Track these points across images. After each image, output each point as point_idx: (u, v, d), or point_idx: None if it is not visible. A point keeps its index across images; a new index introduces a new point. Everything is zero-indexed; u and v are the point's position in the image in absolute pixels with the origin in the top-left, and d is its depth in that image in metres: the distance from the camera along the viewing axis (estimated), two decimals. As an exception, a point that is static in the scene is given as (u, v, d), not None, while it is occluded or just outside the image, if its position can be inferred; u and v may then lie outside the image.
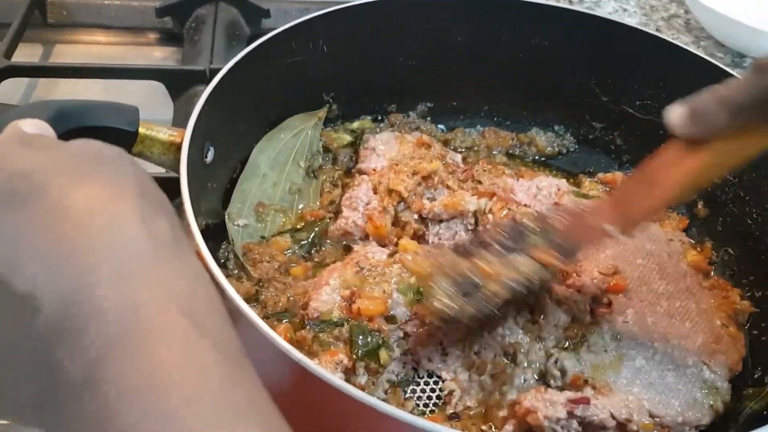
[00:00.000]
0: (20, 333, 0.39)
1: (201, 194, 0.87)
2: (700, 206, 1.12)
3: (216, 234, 0.94)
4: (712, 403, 0.87)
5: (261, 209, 0.98)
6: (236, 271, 0.94)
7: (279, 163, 1.04)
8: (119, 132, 0.80)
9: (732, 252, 1.07)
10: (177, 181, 0.78)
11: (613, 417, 0.81)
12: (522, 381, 0.87)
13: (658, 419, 0.84)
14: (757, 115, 0.70)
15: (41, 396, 0.40)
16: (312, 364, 0.62)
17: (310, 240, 0.98)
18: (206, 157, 0.91)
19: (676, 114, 0.74)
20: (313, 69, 1.09)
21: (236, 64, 0.95)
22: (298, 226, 1.00)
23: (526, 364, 0.88)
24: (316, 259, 0.98)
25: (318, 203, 1.04)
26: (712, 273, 1.05)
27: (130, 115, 0.81)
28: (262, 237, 0.97)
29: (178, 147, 0.83)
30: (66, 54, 1.47)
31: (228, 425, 0.38)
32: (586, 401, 0.81)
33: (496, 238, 0.84)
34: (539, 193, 1.04)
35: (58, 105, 0.72)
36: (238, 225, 0.95)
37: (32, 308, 0.38)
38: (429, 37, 1.17)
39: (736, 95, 0.70)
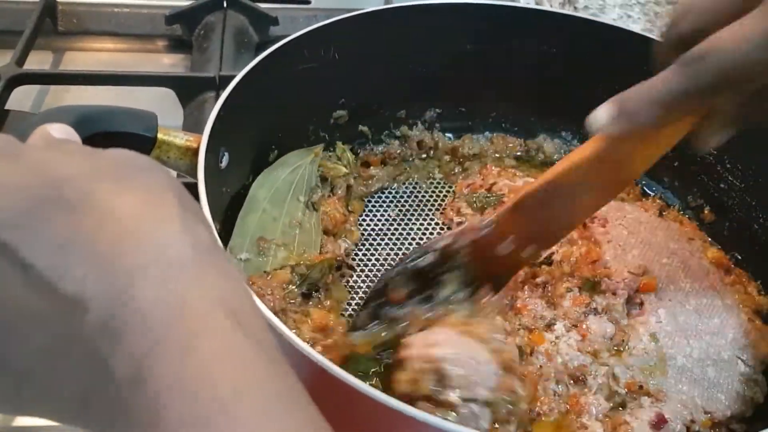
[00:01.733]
0: (68, 332, 0.40)
1: (216, 199, 0.88)
2: (706, 211, 1.14)
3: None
4: (752, 395, 0.89)
5: (263, 243, 0.98)
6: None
7: (278, 198, 1.04)
8: (138, 137, 0.81)
9: (739, 257, 1.08)
10: (192, 185, 0.79)
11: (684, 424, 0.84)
12: (598, 408, 0.85)
13: (710, 415, 0.86)
14: (687, 108, 0.71)
15: (87, 393, 0.41)
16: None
17: (311, 278, 0.97)
18: (221, 162, 0.92)
19: (603, 113, 0.73)
20: (324, 75, 1.10)
21: (251, 70, 0.96)
22: (301, 263, 0.98)
23: (596, 388, 0.86)
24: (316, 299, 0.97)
25: (319, 236, 1.04)
26: (732, 266, 1.06)
27: (149, 121, 0.82)
28: (265, 272, 0.96)
29: (195, 152, 0.85)
30: (76, 61, 1.48)
31: (275, 415, 0.39)
32: (663, 420, 0.83)
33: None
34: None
35: (80, 110, 0.73)
36: (240, 259, 0.95)
37: (81, 309, 0.39)
38: (438, 44, 1.18)
39: (666, 91, 0.69)
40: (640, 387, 0.86)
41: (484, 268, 0.88)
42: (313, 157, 1.11)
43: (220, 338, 0.40)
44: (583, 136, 1.21)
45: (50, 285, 0.40)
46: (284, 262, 0.97)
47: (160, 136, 0.83)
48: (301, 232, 1.03)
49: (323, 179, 1.10)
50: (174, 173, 0.86)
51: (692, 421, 0.85)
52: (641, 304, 0.94)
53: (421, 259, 0.89)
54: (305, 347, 0.65)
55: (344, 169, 1.12)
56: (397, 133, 1.23)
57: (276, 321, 0.66)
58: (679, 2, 0.70)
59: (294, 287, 0.94)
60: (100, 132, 0.76)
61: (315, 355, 0.65)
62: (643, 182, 1.20)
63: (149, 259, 0.41)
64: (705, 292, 0.97)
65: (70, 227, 0.41)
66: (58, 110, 0.75)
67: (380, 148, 1.21)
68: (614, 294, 0.94)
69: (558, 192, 0.83)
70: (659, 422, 0.83)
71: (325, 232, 1.04)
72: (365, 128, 1.20)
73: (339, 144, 1.14)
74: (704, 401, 0.87)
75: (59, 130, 0.55)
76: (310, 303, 0.95)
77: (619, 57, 1.16)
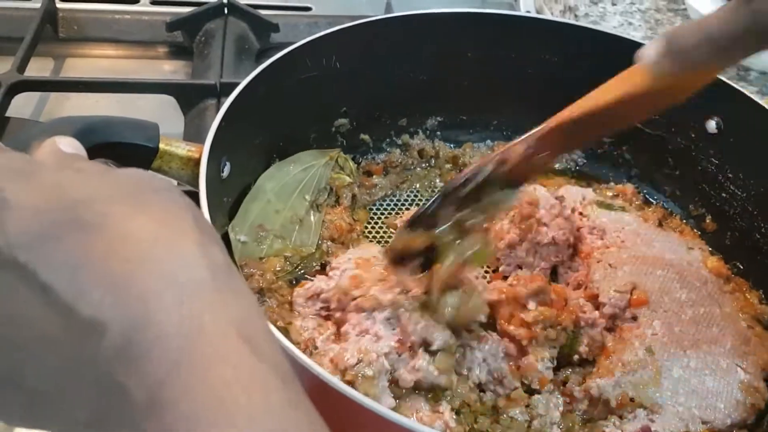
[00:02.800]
0: (82, 355, 0.40)
1: (217, 208, 0.88)
2: (708, 220, 1.14)
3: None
4: (753, 402, 0.89)
5: (261, 232, 0.99)
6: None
7: (285, 193, 1.05)
8: (141, 148, 0.81)
9: (741, 266, 1.08)
10: (193, 195, 0.79)
11: None
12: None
13: (709, 424, 0.86)
14: (742, 49, 0.68)
15: (101, 416, 0.41)
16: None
17: (302, 268, 1.00)
18: (223, 172, 0.92)
19: (652, 50, 0.71)
20: (326, 84, 1.10)
21: (252, 79, 0.96)
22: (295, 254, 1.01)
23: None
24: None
25: (317, 236, 1.05)
26: (731, 275, 1.06)
27: (151, 131, 0.82)
28: (260, 258, 0.98)
29: (196, 162, 0.85)
30: (77, 67, 1.47)
31: None
32: (648, 430, 0.83)
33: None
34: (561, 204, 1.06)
35: (82, 121, 0.73)
36: (239, 240, 0.96)
37: (98, 332, 0.39)
38: (439, 52, 1.18)
39: (722, 29, 0.66)
40: (632, 400, 0.86)
41: (510, 176, 0.87)
42: (328, 160, 1.11)
43: (236, 364, 0.40)
44: (584, 144, 1.22)
45: (68, 307, 0.40)
46: (278, 253, 0.99)
47: (162, 146, 0.83)
48: (301, 228, 1.04)
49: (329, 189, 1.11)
50: (174, 182, 0.86)
51: None
52: (635, 318, 0.94)
53: (476, 176, 0.87)
54: (307, 361, 0.65)
55: (348, 179, 1.12)
56: (399, 142, 1.23)
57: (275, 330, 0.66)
58: None
59: (284, 274, 0.96)
60: (103, 143, 0.76)
61: (316, 368, 0.65)
62: (645, 191, 1.20)
63: (166, 283, 0.41)
64: (702, 302, 0.97)
65: (86, 250, 0.41)
66: (61, 121, 0.75)
67: (381, 157, 1.21)
68: (593, 325, 0.94)
69: (598, 118, 0.82)
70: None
71: (332, 240, 1.05)
72: (366, 136, 1.20)
73: (341, 154, 1.14)
74: (702, 411, 0.86)
75: (68, 145, 0.55)
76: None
77: (621, 65, 1.16)
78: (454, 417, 0.83)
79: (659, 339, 0.91)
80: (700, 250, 1.08)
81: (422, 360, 0.82)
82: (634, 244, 1.03)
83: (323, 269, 1.00)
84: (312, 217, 1.06)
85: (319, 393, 0.64)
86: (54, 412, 0.43)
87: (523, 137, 0.87)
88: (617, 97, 0.79)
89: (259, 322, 0.44)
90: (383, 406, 0.64)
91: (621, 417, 0.86)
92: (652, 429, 0.83)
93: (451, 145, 1.25)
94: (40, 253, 0.41)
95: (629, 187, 1.19)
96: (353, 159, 1.17)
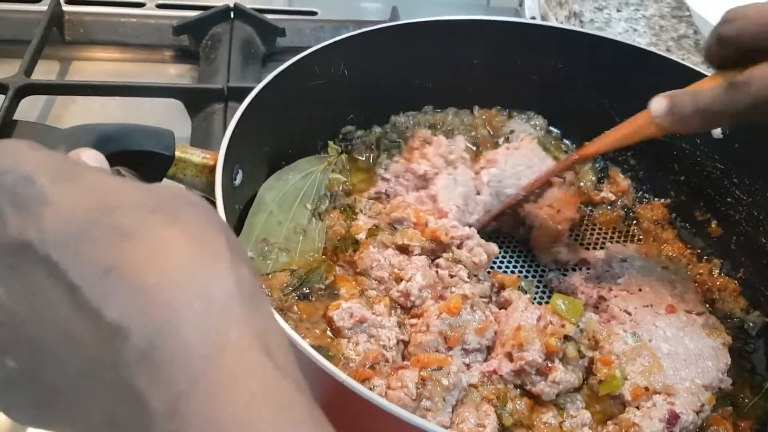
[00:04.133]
0: (103, 358, 0.40)
1: (230, 216, 0.89)
2: (713, 225, 1.15)
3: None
4: (722, 341, 0.94)
5: (266, 246, 0.98)
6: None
7: (286, 203, 1.04)
8: (157, 155, 0.81)
9: (747, 271, 1.09)
10: (209, 203, 0.79)
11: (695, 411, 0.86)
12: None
13: (710, 389, 0.90)
14: (723, 121, 0.86)
15: (117, 420, 0.41)
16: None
17: (309, 282, 0.98)
18: (235, 179, 0.93)
19: (659, 105, 0.86)
20: (334, 91, 1.10)
21: (263, 87, 0.97)
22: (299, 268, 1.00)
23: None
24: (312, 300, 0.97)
25: (322, 244, 1.04)
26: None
27: (167, 139, 0.83)
28: (266, 274, 0.97)
29: (211, 169, 0.85)
30: (83, 71, 1.48)
31: None
32: (675, 416, 0.85)
33: None
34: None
35: (100, 129, 0.74)
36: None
37: (122, 336, 0.39)
38: (445, 59, 1.19)
39: (710, 105, 0.81)
40: (646, 389, 0.88)
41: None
42: (326, 166, 1.11)
43: (260, 379, 0.40)
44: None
45: (94, 308, 0.40)
46: (285, 267, 0.98)
47: (177, 153, 0.84)
48: (305, 239, 1.03)
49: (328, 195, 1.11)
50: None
51: (701, 405, 0.87)
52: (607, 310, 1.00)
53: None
54: (325, 363, 0.66)
55: (342, 177, 1.13)
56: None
57: (296, 336, 0.67)
58: (734, 7, 0.82)
59: (291, 289, 0.95)
60: (120, 151, 0.76)
61: (332, 368, 0.66)
62: (649, 197, 1.21)
63: (195, 294, 0.41)
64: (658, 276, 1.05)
65: (119, 254, 0.41)
66: (78, 129, 0.76)
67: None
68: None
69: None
70: (672, 419, 0.85)
71: (335, 249, 1.04)
72: (372, 144, 1.20)
73: (340, 157, 1.15)
74: (702, 378, 0.90)
75: (93, 158, 0.55)
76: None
77: (626, 71, 1.17)
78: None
79: (635, 320, 0.97)
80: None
81: (559, 372, 0.86)
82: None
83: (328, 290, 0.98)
84: (315, 226, 1.05)
85: (339, 399, 0.66)
86: (68, 413, 0.43)
87: (550, 169, 1.05)
88: (627, 135, 0.96)
89: (283, 338, 0.44)
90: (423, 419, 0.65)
91: (638, 407, 0.87)
92: (678, 413, 0.86)
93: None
94: (72, 252, 0.41)
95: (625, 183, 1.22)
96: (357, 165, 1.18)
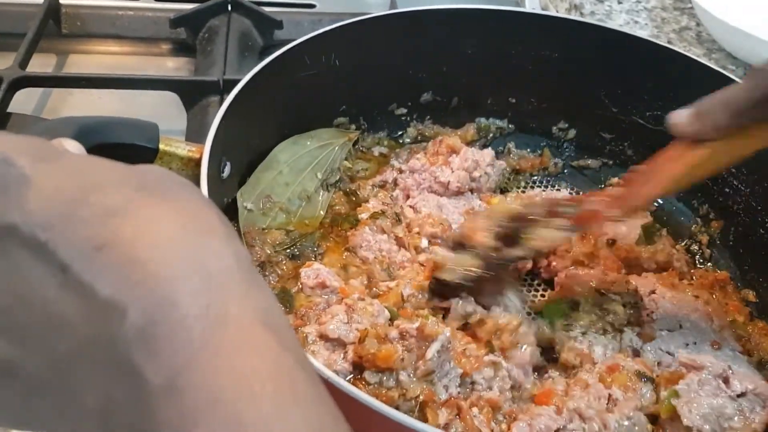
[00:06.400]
0: (97, 337, 0.39)
1: (218, 208, 0.88)
2: (714, 223, 1.15)
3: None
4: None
5: (268, 203, 1.00)
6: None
7: (297, 167, 1.06)
8: (140, 148, 0.81)
9: (745, 262, 1.09)
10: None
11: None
12: None
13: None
14: (754, 115, 0.79)
15: (112, 402, 0.40)
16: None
17: (302, 244, 1.00)
18: (223, 172, 0.92)
19: (681, 114, 0.83)
20: (325, 82, 1.10)
21: (251, 79, 0.96)
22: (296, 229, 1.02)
23: None
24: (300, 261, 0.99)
25: (323, 213, 1.06)
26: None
27: (151, 132, 0.82)
28: (262, 228, 0.99)
29: (197, 162, 0.85)
30: (80, 64, 1.47)
31: None
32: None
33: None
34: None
35: (82, 122, 0.73)
36: (246, 207, 0.97)
37: (119, 313, 0.38)
38: (438, 50, 1.18)
39: (736, 97, 0.79)
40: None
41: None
42: (346, 141, 1.13)
43: (262, 353, 0.39)
44: (585, 140, 1.22)
45: (87, 287, 0.39)
46: (281, 226, 1.00)
47: (162, 146, 0.83)
48: (308, 205, 1.05)
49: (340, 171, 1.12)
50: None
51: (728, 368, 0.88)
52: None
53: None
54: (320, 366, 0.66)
55: (348, 164, 1.14)
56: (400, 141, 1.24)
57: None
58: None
59: (283, 248, 0.97)
60: (102, 143, 0.75)
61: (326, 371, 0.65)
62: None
63: (193, 268, 0.40)
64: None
65: (110, 231, 0.40)
66: (60, 121, 0.75)
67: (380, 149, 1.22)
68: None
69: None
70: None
71: (332, 224, 1.06)
72: (365, 134, 1.21)
73: (360, 136, 1.17)
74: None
75: (74, 148, 0.54)
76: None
77: (626, 62, 1.16)
78: None
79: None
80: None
81: None
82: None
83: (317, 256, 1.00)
84: (320, 196, 1.06)
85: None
86: (56, 406, 0.42)
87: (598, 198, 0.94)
88: (661, 158, 0.88)
89: (281, 313, 0.43)
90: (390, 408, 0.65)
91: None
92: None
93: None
94: (60, 232, 0.40)
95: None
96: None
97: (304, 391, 0.40)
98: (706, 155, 0.83)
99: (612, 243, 1.09)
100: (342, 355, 0.82)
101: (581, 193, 1.18)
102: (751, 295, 1.06)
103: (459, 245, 0.93)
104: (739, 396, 0.86)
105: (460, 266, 0.93)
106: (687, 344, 0.95)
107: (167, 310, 0.38)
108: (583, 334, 0.95)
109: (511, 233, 0.92)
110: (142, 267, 0.39)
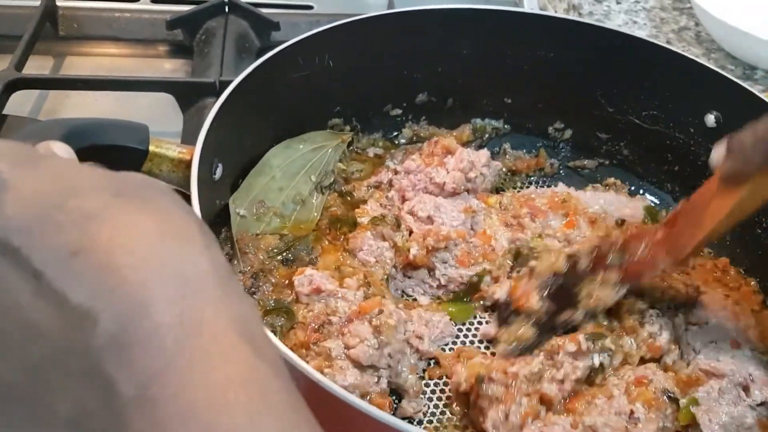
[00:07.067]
0: (70, 345, 0.38)
1: (209, 211, 0.88)
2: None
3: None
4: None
5: (261, 208, 1.00)
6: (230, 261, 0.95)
7: (290, 171, 1.05)
8: (130, 150, 0.81)
9: (744, 263, 1.09)
10: (185, 197, 0.78)
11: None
12: None
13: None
14: None
15: (82, 412, 0.39)
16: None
17: (295, 249, 0.99)
18: (215, 173, 0.92)
19: (718, 150, 0.80)
20: (319, 83, 1.10)
21: (243, 80, 0.96)
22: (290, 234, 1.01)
23: None
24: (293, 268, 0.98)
25: (318, 216, 1.05)
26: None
27: (141, 134, 0.82)
28: (256, 234, 0.98)
29: (188, 164, 0.85)
30: (77, 66, 1.47)
31: None
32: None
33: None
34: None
35: (71, 123, 0.73)
36: (238, 213, 0.97)
37: (90, 321, 0.38)
38: (433, 50, 1.18)
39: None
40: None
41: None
42: (339, 143, 1.12)
43: (237, 363, 0.39)
44: (582, 140, 1.22)
45: (60, 294, 0.38)
46: (275, 231, 0.99)
47: (152, 148, 0.83)
48: (302, 208, 1.04)
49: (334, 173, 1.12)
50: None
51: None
52: None
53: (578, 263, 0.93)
54: (302, 363, 0.65)
55: (342, 165, 1.14)
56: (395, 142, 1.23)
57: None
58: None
59: (277, 252, 0.96)
60: (92, 145, 0.75)
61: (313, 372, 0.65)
62: (645, 188, 1.21)
63: (168, 275, 0.39)
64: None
65: (85, 236, 0.39)
66: (49, 124, 0.75)
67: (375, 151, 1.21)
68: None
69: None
70: None
71: (329, 228, 1.05)
72: (359, 135, 1.20)
73: (353, 137, 1.16)
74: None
75: (63, 150, 0.54)
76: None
77: (623, 62, 1.16)
78: None
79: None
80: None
81: None
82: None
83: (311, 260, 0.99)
84: (314, 199, 1.06)
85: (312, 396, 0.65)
86: (27, 414, 0.41)
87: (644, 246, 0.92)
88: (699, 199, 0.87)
89: (257, 322, 0.43)
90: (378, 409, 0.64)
91: None
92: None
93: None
94: (35, 237, 0.39)
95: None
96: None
97: (278, 400, 0.39)
98: (744, 194, 0.80)
99: (622, 223, 1.10)
100: (376, 380, 0.83)
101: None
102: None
103: (507, 311, 0.93)
104: (759, 405, 0.85)
105: (515, 339, 0.91)
106: (711, 341, 0.94)
107: (140, 318, 0.38)
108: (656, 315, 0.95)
109: (560, 293, 0.91)
110: (118, 273, 0.38)
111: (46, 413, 0.40)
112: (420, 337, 0.91)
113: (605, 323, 0.93)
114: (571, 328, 0.92)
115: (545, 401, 0.84)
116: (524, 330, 0.91)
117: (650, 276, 0.93)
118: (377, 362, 0.83)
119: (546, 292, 0.92)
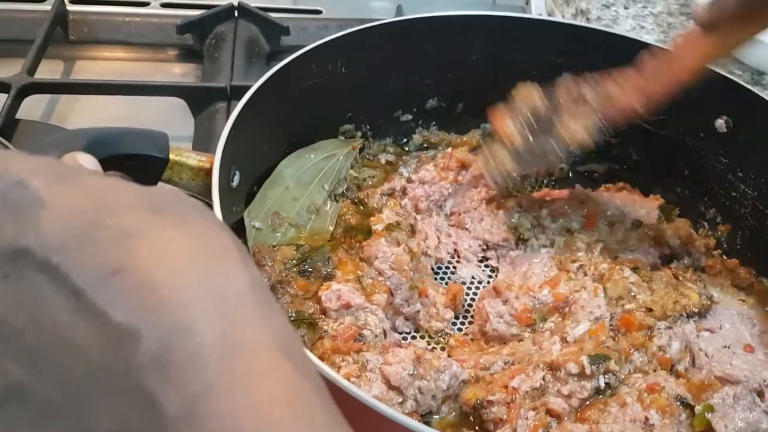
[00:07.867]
0: (111, 363, 0.38)
1: (228, 219, 0.89)
2: (721, 227, 1.15)
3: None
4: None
5: (277, 219, 1.00)
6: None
7: (303, 180, 1.06)
8: (151, 159, 0.81)
9: (753, 265, 1.09)
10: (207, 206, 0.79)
11: None
12: None
13: None
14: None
15: (126, 428, 0.39)
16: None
17: (312, 260, 0.99)
18: (232, 181, 0.92)
19: (700, 3, 0.92)
20: (332, 90, 1.10)
21: (258, 88, 0.96)
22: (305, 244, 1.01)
23: None
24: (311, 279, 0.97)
25: (333, 226, 1.06)
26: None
27: (161, 142, 0.82)
28: (273, 246, 0.98)
29: (207, 172, 0.85)
30: (87, 70, 1.48)
31: None
32: None
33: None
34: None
35: (93, 133, 0.73)
36: (254, 226, 0.97)
37: (133, 339, 0.38)
38: (444, 55, 1.19)
39: None
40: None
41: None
42: (350, 150, 1.13)
43: (279, 380, 0.39)
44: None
45: (100, 312, 0.38)
46: (291, 241, 1.00)
47: (172, 156, 0.83)
48: (317, 218, 1.05)
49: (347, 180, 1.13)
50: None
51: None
52: None
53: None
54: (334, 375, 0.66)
55: (354, 173, 1.15)
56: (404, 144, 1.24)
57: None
58: None
59: (294, 263, 0.96)
60: (114, 155, 0.75)
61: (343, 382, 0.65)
62: (654, 192, 1.20)
63: (208, 294, 0.39)
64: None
65: (125, 254, 0.39)
66: (71, 134, 0.76)
67: (387, 158, 1.22)
68: None
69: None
70: None
71: (344, 236, 1.06)
72: (371, 141, 1.21)
73: (364, 143, 1.17)
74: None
75: (87, 162, 0.54)
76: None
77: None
78: None
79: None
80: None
81: None
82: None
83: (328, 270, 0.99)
84: (328, 207, 1.06)
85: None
86: (67, 429, 0.41)
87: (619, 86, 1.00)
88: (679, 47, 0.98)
89: (297, 340, 0.43)
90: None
91: None
92: None
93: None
94: (75, 255, 0.39)
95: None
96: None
97: (321, 418, 0.39)
98: (717, 40, 0.92)
99: (638, 225, 1.11)
100: (400, 400, 0.83)
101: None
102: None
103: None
104: (774, 410, 0.86)
105: (493, 159, 1.03)
106: (724, 346, 0.95)
107: (183, 337, 0.38)
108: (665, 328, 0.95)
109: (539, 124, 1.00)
110: (158, 293, 0.38)
111: (88, 431, 0.40)
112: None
113: (610, 344, 0.91)
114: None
115: (554, 414, 0.84)
116: (504, 156, 1.02)
117: (625, 118, 1.00)
118: (405, 388, 0.82)
119: (524, 123, 1.01)
